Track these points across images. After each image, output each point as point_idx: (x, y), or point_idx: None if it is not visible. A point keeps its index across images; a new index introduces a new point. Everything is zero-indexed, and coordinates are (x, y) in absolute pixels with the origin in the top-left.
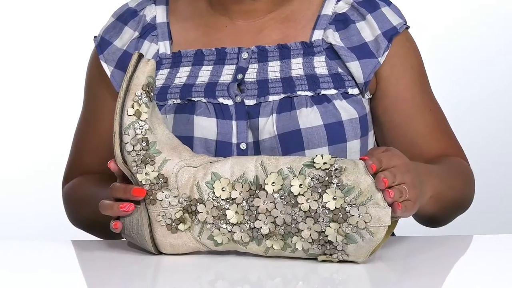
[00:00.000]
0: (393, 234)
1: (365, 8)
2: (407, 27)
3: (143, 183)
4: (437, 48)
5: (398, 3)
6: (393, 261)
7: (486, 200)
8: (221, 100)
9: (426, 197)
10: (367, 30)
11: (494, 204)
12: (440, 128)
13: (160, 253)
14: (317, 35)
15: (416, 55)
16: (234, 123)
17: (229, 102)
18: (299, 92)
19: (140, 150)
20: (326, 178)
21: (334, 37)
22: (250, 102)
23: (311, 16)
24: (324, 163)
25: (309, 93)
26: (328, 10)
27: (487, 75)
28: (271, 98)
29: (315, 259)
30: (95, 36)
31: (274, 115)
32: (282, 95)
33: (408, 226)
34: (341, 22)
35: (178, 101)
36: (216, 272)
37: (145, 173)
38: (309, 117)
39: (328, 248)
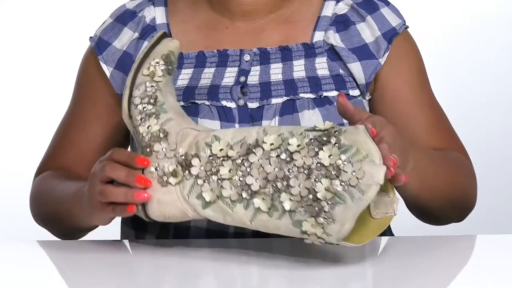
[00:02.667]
0: (392, 234)
1: (365, 9)
2: (406, 27)
3: (144, 135)
4: (437, 49)
5: (398, 4)
6: (395, 261)
7: (487, 200)
8: (224, 103)
9: (408, 169)
10: (367, 31)
11: (495, 204)
12: (440, 126)
13: (148, 221)
14: (318, 36)
15: (415, 54)
16: (237, 126)
17: (232, 105)
18: (301, 95)
19: (147, 104)
20: (325, 138)
21: (335, 38)
22: (253, 105)
23: (311, 17)
24: (325, 128)
25: (311, 95)
26: (328, 11)
27: (488, 76)
28: (274, 100)
29: (304, 246)
30: (90, 37)
31: (277, 117)
32: (285, 98)
33: (408, 226)
34: (341, 23)
35: (182, 103)
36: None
37: (148, 126)
38: (311, 120)
39: (315, 209)
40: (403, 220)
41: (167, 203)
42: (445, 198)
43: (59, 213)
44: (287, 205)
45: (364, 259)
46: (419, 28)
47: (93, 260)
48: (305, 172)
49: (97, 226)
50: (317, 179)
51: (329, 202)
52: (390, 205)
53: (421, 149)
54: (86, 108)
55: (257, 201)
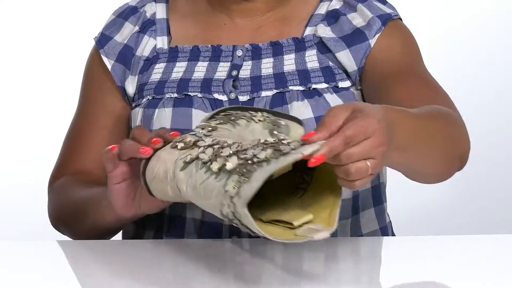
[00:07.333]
0: (393, 234)
1: (356, 0)
2: (401, 19)
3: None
4: (435, 50)
5: (397, 3)
6: (395, 261)
7: (487, 200)
8: (216, 95)
9: (391, 148)
10: (359, 18)
11: (495, 204)
12: (431, 93)
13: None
14: (309, 31)
15: (411, 39)
16: None
17: (224, 97)
18: (290, 87)
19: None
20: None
21: (324, 31)
22: (243, 98)
23: (305, 15)
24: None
25: (301, 88)
26: (322, 9)
27: (487, 76)
28: (264, 93)
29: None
30: (94, 37)
31: None
32: (275, 91)
33: (407, 226)
34: (332, 17)
35: (175, 95)
36: None
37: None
38: (299, 110)
39: (245, 169)
40: (404, 220)
41: (163, 161)
42: (441, 153)
43: (86, 213)
44: (230, 166)
45: (362, 260)
46: (417, 29)
47: (93, 260)
48: (261, 146)
49: (119, 220)
50: (264, 150)
51: (257, 165)
52: (315, 232)
53: (404, 120)
54: (97, 106)
55: (203, 155)
